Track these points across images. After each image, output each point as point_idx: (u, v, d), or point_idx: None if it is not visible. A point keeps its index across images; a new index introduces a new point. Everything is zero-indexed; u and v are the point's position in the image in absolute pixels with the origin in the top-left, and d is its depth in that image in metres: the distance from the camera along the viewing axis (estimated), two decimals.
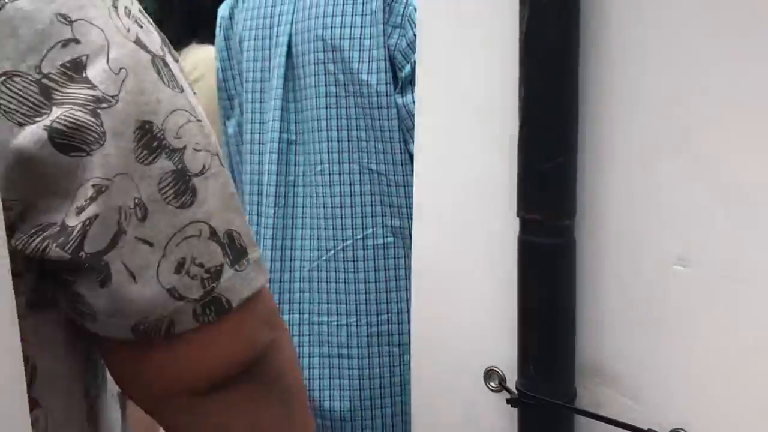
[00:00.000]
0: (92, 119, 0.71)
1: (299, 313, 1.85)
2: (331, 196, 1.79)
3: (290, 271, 1.86)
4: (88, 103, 0.71)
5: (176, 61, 0.82)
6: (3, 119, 0.68)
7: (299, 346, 1.84)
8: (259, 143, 1.88)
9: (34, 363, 0.77)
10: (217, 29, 1.99)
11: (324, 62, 1.75)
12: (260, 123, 1.88)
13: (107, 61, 0.73)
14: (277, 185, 1.84)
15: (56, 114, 0.70)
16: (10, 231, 0.71)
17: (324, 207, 1.80)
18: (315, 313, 1.83)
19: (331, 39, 1.74)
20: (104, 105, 0.72)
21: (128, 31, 0.76)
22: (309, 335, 1.84)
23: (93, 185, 0.72)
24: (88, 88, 0.71)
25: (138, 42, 0.77)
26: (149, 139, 0.74)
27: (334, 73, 1.74)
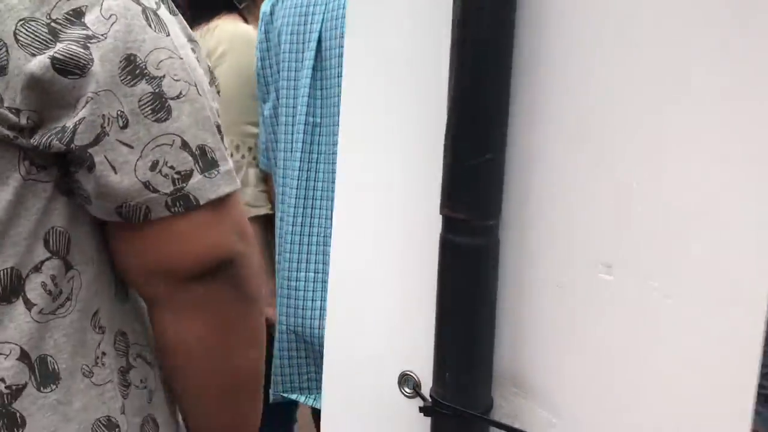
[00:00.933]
0: (83, 51, 0.75)
1: (314, 272, 1.71)
2: None
3: (308, 235, 1.71)
4: (81, 39, 0.75)
5: (173, 14, 0.85)
6: (20, 51, 0.73)
7: (313, 299, 1.69)
8: (291, 125, 1.73)
9: (68, 235, 0.80)
10: (259, 23, 1.82)
11: None
12: (292, 107, 1.73)
13: (101, 10, 0.76)
14: (301, 161, 1.70)
15: (58, 47, 0.74)
16: (31, 133, 0.76)
17: None
18: (327, 273, 1.66)
19: None
20: (94, 41, 0.75)
21: None
22: (322, 291, 1.69)
23: (87, 98, 0.75)
24: (83, 29, 0.75)
25: None
26: (132, 68, 0.77)
27: None
